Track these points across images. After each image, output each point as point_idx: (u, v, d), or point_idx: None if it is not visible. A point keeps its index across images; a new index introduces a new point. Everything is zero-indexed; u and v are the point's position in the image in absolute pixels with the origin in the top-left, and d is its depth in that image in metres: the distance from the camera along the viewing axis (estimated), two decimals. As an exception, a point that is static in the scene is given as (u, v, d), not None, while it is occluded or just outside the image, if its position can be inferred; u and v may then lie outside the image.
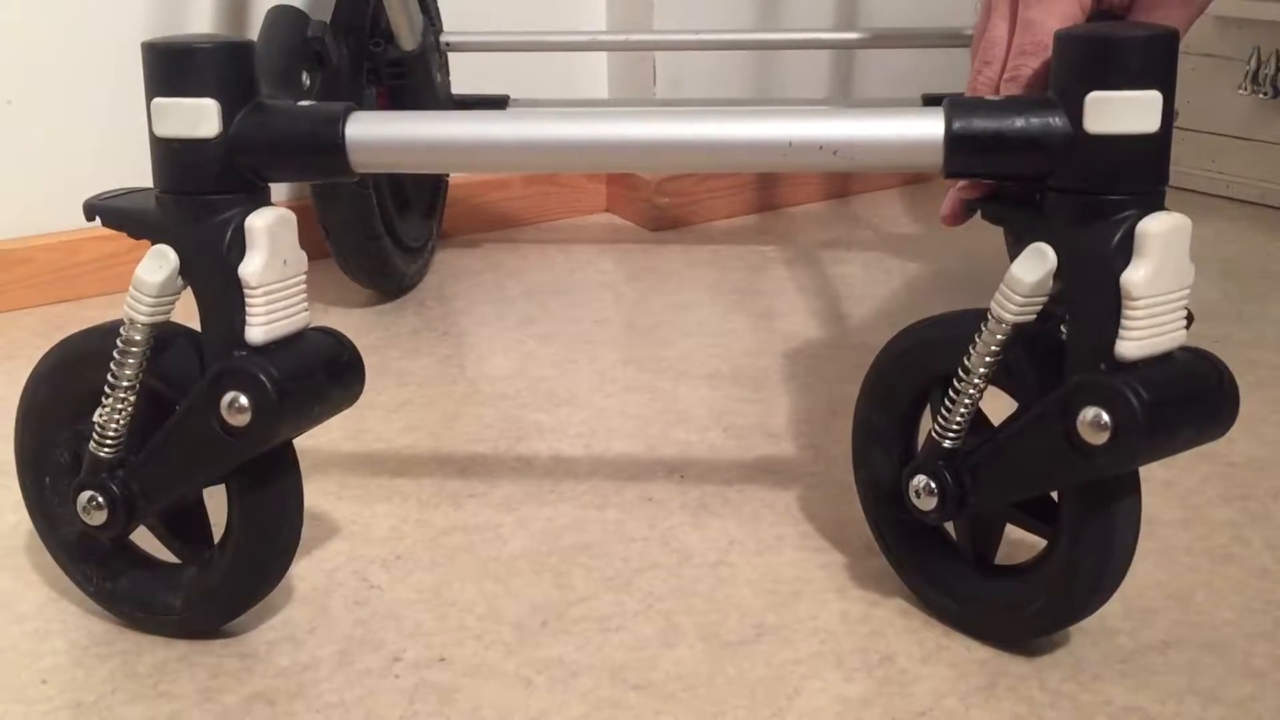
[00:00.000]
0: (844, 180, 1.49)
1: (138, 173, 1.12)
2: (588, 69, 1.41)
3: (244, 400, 0.54)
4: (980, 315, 0.55)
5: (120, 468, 0.58)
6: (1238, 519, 0.72)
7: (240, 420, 0.54)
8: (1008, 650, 0.60)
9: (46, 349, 0.61)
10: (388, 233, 1.08)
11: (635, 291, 1.16)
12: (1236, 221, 1.36)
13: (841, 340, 1.03)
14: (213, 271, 0.54)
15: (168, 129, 0.54)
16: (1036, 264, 0.53)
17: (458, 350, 1.02)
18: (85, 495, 0.58)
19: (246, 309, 0.54)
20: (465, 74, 1.20)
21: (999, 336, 0.54)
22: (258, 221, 0.54)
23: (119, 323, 0.57)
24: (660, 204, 1.36)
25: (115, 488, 0.58)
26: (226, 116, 0.54)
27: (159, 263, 0.55)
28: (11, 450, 0.63)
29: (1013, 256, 0.54)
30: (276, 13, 0.73)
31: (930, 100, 1.12)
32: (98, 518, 0.58)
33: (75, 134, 1.15)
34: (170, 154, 0.55)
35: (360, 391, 0.60)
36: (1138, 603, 0.63)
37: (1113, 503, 0.55)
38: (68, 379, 0.60)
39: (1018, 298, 0.53)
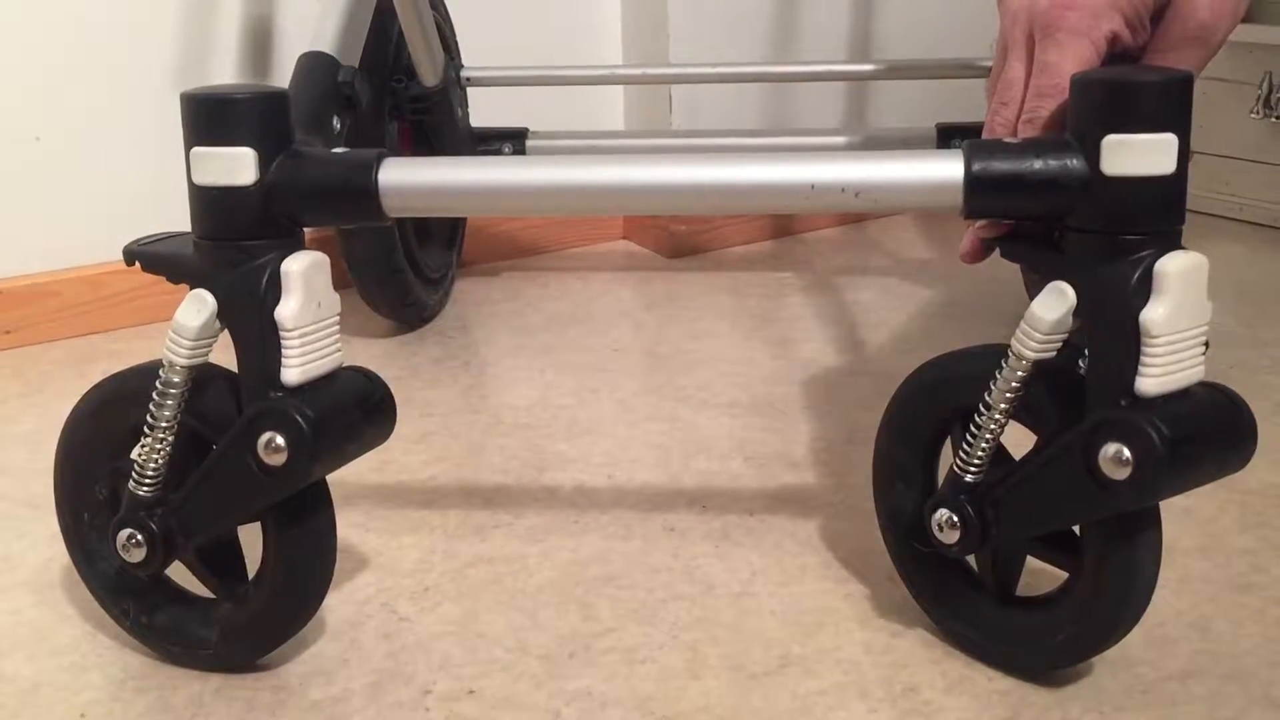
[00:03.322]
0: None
1: (162, 206, 1.14)
2: (605, 100, 1.42)
3: (280, 440, 0.55)
4: (1000, 351, 0.56)
5: (159, 506, 0.60)
6: (1257, 547, 0.73)
7: (277, 460, 0.56)
8: (1030, 681, 0.60)
9: (75, 382, 0.62)
10: (409, 264, 1.09)
11: (654, 319, 1.18)
12: (1250, 244, 1.37)
13: (860, 367, 1.04)
14: (250, 315, 0.56)
15: (206, 177, 0.56)
16: (1056, 302, 0.54)
17: (480, 380, 1.03)
18: (125, 533, 0.60)
19: (282, 351, 0.56)
20: (483, 106, 1.21)
21: (1019, 373, 0.55)
22: (293, 266, 0.56)
23: (158, 363, 0.58)
24: (677, 231, 1.38)
25: (154, 525, 0.59)
26: (263, 164, 0.55)
27: (198, 307, 0.57)
28: (43, 485, 0.64)
29: (1030, 293, 0.56)
30: (308, 59, 0.75)
31: (944, 130, 1.13)
32: (137, 555, 0.60)
33: (101, 169, 1.17)
34: (208, 201, 0.56)
35: (392, 429, 0.61)
36: (1158, 632, 0.64)
37: (1135, 535, 0.55)
38: (107, 418, 0.61)
39: (1038, 335, 0.54)
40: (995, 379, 0.56)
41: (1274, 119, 1.41)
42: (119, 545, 0.60)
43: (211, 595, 0.63)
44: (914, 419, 0.62)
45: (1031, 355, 0.55)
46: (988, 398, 0.56)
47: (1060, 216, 0.54)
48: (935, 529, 0.60)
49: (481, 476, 0.85)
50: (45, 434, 0.64)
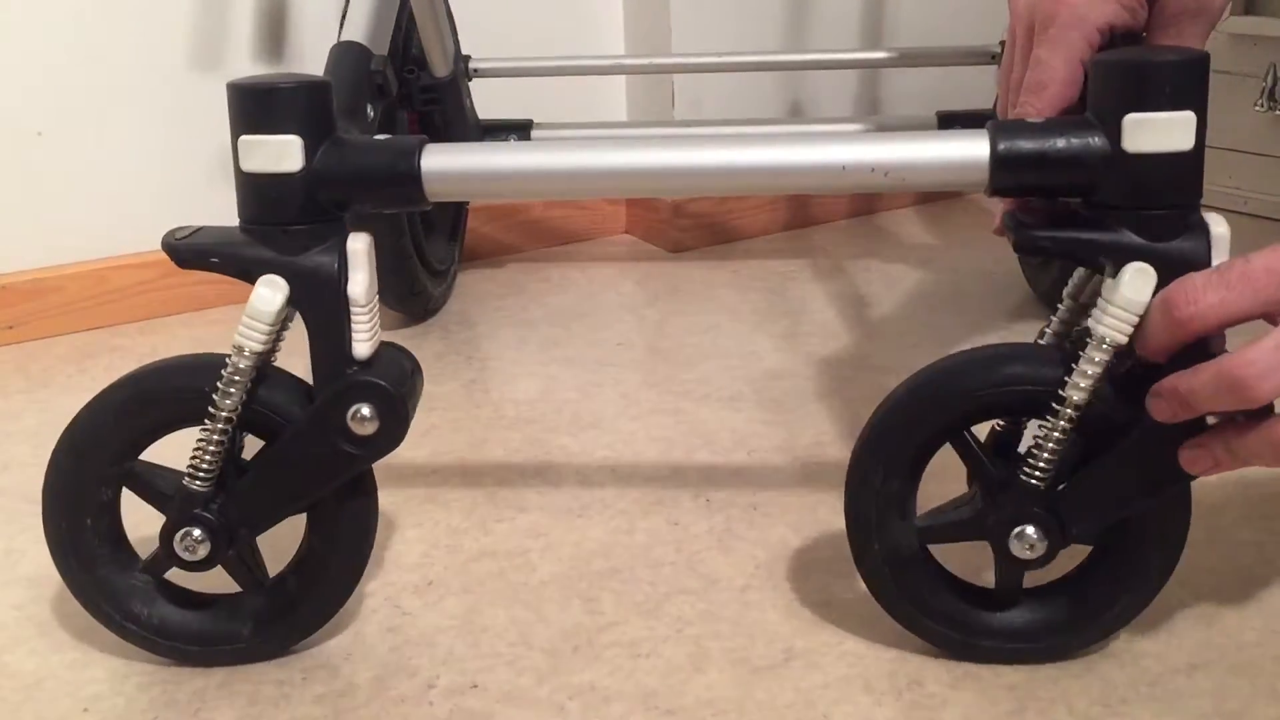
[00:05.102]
0: (865, 198, 1.50)
1: (166, 201, 1.14)
2: (606, 92, 1.42)
3: (367, 410, 0.58)
4: (1005, 350, 0.56)
5: (214, 500, 0.59)
6: (1263, 539, 0.73)
7: (368, 429, 0.58)
8: (1035, 675, 0.60)
9: (78, 377, 0.62)
10: (416, 254, 1.10)
11: (657, 313, 1.18)
12: (1253, 237, 1.37)
13: (863, 361, 1.03)
14: (328, 295, 0.57)
15: (254, 164, 0.56)
16: (1143, 283, 0.53)
17: (483, 374, 1.03)
18: (182, 532, 0.59)
19: (353, 326, 0.58)
20: (483, 96, 1.21)
21: (1105, 360, 0.54)
22: (358, 245, 0.58)
23: (169, 362, 0.59)
24: (680, 225, 1.37)
25: (214, 519, 0.59)
26: (309, 151, 0.56)
27: (274, 291, 0.57)
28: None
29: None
30: (341, 49, 0.76)
31: (945, 118, 1.13)
32: (201, 551, 0.59)
33: (104, 164, 1.17)
34: (256, 188, 0.57)
35: (423, 386, 0.64)
36: (1164, 624, 0.64)
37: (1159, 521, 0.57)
38: (122, 419, 0.60)
39: (1130, 316, 0.53)
40: (1072, 372, 0.54)
41: (1278, 112, 1.40)
42: (179, 548, 0.59)
43: (238, 589, 0.63)
44: (904, 441, 0.59)
45: (1122, 339, 0.54)
46: (1060, 393, 0.54)
47: (1083, 194, 0.54)
48: (1020, 549, 0.57)
49: (485, 470, 0.85)
50: (48, 430, 0.64)
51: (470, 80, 1.17)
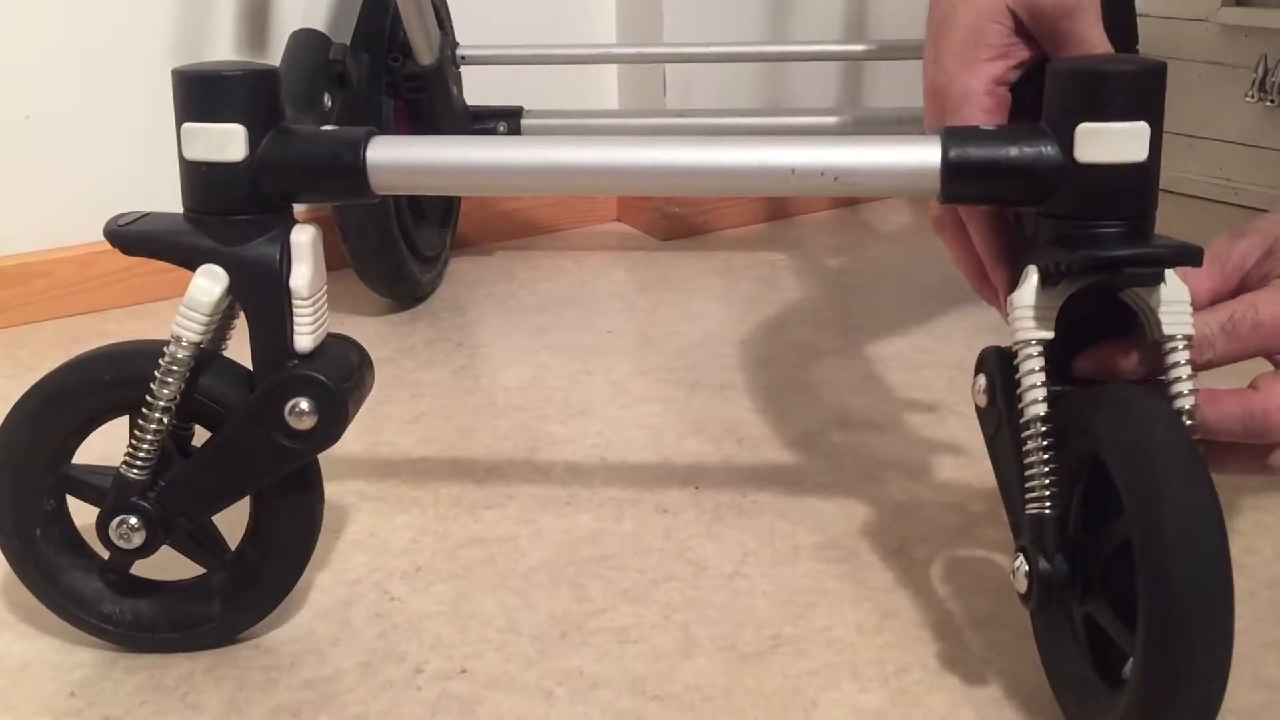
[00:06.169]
0: (853, 189, 1.50)
1: (152, 186, 1.13)
2: (598, 79, 1.42)
3: (305, 405, 0.57)
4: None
5: (150, 489, 0.59)
6: (1248, 529, 0.73)
7: (305, 424, 0.57)
8: (1021, 662, 0.61)
9: (56, 368, 0.61)
10: (404, 240, 1.09)
11: (647, 301, 1.17)
12: (1244, 229, 1.37)
13: (852, 350, 1.04)
14: (269, 287, 0.56)
15: (197, 153, 0.56)
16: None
17: (472, 361, 1.03)
18: (117, 520, 0.59)
19: (296, 319, 0.57)
20: (476, 84, 1.21)
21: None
22: (302, 237, 0.57)
23: (83, 356, 0.59)
24: (671, 213, 1.37)
25: (149, 507, 0.59)
26: (253, 141, 0.56)
27: (213, 282, 0.57)
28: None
29: None
30: (299, 37, 0.75)
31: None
32: (136, 539, 0.59)
33: (92, 148, 1.16)
34: (199, 177, 0.56)
35: (373, 381, 0.63)
36: (1149, 613, 0.64)
37: None
38: (44, 423, 0.60)
39: None
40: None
41: (1269, 103, 1.41)
42: (113, 535, 0.59)
43: (201, 570, 0.63)
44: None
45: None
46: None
47: (1035, 203, 0.54)
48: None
49: (474, 457, 0.85)
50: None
51: (459, 68, 1.16)
